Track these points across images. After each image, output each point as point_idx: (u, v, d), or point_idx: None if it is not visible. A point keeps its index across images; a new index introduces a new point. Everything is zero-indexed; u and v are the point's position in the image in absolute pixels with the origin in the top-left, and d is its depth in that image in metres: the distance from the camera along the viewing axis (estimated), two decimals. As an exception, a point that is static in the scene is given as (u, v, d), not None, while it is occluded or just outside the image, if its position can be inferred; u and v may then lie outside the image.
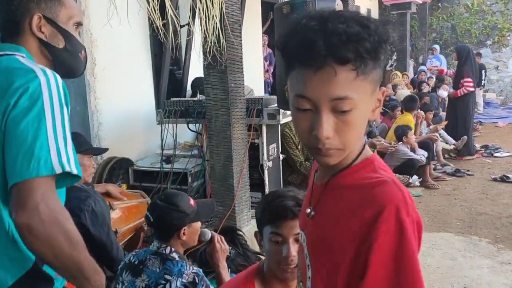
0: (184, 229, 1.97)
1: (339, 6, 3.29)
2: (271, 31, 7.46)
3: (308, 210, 0.98)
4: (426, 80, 9.89)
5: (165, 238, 1.97)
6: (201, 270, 1.94)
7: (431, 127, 6.80)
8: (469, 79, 7.10)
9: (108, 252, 2.15)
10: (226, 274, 2.19)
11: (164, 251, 1.94)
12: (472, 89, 7.20)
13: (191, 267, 1.91)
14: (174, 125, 4.12)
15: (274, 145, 4.15)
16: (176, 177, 4.03)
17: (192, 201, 2.04)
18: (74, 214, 2.15)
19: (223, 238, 2.28)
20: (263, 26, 7.94)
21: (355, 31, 0.78)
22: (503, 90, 12.21)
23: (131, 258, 1.97)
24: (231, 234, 3.43)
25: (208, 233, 2.23)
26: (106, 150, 2.87)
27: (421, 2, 10.39)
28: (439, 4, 12.57)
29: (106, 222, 2.18)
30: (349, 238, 0.84)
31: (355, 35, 0.77)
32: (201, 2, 2.70)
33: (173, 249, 1.95)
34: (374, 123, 6.29)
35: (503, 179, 5.80)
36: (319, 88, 0.80)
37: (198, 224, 2.09)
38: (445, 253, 3.76)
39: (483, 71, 10.98)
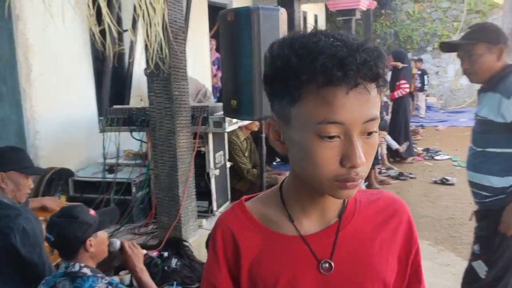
0: (90, 240, 1.90)
1: (283, 14, 3.29)
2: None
3: (325, 265, 0.83)
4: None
5: (72, 255, 1.88)
6: (115, 278, 1.88)
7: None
8: (404, 81, 7.41)
9: (40, 273, 2.02)
10: (147, 278, 2.15)
11: (73, 269, 1.84)
12: (408, 89, 7.53)
13: (103, 280, 1.84)
14: (117, 133, 4.00)
15: (221, 153, 4.11)
16: (119, 187, 3.90)
17: (92, 211, 1.98)
18: (3, 234, 2.02)
19: (134, 242, 2.23)
20: (210, 30, 7.88)
21: (376, 47, 0.73)
22: (443, 95, 12.75)
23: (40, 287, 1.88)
24: (177, 245, 3.36)
25: (117, 242, 2.17)
26: (45, 171, 2.73)
27: (365, 9, 10.67)
28: (383, 11, 12.98)
29: (38, 242, 2.06)
30: (393, 257, 0.87)
31: (379, 51, 0.72)
32: (141, 9, 2.61)
33: (82, 264, 1.86)
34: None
35: (443, 182, 6.03)
36: (353, 109, 0.71)
37: (105, 234, 2.03)
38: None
39: (425, 76, 11.44)
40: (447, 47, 2.53)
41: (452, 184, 5.99)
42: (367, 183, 5.93)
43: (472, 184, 2.43)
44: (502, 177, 2.27)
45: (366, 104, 0.71)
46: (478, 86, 2.47)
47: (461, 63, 2.40)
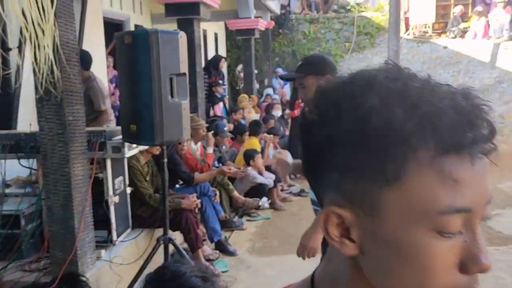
0: None
1: (182, 37, 3.25)
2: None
3: None
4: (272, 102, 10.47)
5: None
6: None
7: (278, 150, 7.14)
8: None
9: None
10: None
11: None
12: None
13: None
14: (3, 161, 3.65)
15: (121, 178, 3.93)
16: (6, 221, 3.55)
17: None
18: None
19: None
20: (107, 46, 7.58)
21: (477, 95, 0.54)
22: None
23: None
24: (73, 281, 3.12)
25: None
26: None
27: (264, 29, 10.97)
28: (280, 30, 13.45)
29: None
30: None
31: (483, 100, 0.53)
32: (28, 30, 2.42)
33: None
34: (224, 147, 6.38)
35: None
36: (480, 188, 0.50)
37: None
38: (295, 277, 3.91)
39: (320, 93, 11.98)
40: (285, 78, 2.90)
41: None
42: (269, 201, 6.03)
43: (315, 202, 2.67)
44: None
45: (487, 179, 0.51)
46: None
47: (298, 93, 2.62)
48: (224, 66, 9.40)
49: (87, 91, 4.62)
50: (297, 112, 7.74)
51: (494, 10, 11.96)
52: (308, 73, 2.52)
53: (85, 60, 4.67)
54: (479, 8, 12.19)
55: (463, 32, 12.26)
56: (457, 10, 12.49)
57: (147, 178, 4.26)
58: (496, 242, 5.13)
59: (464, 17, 12.64)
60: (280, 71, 12.56)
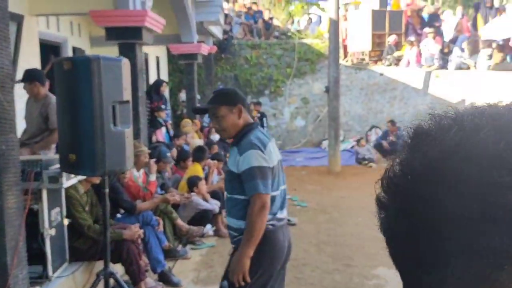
0: None
1: (126, 64, 3.17)
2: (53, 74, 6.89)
3: None
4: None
5: None
6: None
7: (221, 175, 7.08)
8: None
9: None
10: None
11: None
12: None
13: None
14: None
15: (57, 209, 3.73)
16: None
17: None
18: None
19: None
20: (43, 68, 7.29)
21: None
22: (280, 135, 13.63)
23: None
24: (4, 324, 2.89)
25: None
26: None
27: (206, 54, 11.00)
28: (223, 55, 13.54)
29: None
30: None
31: None
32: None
33: None
34: (167, 174, 6.25)
35: (289, 222, 6.33)
36: None
37: None
38: (240, 306, 3.83)
39: (264, 118, 12.13)
40: (199, 110, 3.05)
41: (293, 224, 6.32)
42: (214, 228, 5.94)
43: (228, 226, 2.77)
44: (241, 220, 2.60)
45: None
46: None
47: (212, 123, 2.81)
48: (165, 91, 9.29)
49: (43, 108, 4.46)
50: None
51: (425, 40, 12.70)
52: (222, 104, 2.66)
53: (42, 76, 4.71)
54: (411, 38, 12.90)
55: (398, 60, 12.89)
56: (391, 39, 13.14)
57: (86, 208, 4.07)
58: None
59: (398, 46, 13.31)
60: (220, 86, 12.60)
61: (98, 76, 2.91)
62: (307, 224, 6.83)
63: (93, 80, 2.91)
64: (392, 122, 11.27)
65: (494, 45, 11.53)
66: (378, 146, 11.29)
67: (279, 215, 2.65)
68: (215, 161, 6.98)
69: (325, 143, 12.25)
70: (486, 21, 12.42)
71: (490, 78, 10.82)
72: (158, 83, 8.96)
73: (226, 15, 13.02)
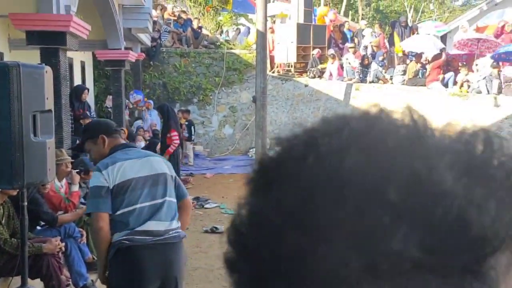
0: None
1: (48, 73, 3.09)
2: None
3: None
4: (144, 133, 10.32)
5: None
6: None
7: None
8: (175, 133, 7.88)
9: None
10: None
11: None
12: (178, 142, 7.99)
13: None
14: None
15: (-30, 223, 3.53)
16: None
17: None
18: None
19: None
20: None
21: None
22: (208, 143, 13.68)
23: None
24: None
25: None
26: None
27: (134, 61, 10.83)
28: (151, 62, 13.38)
29: None
30: None
31: None
32: None
33: None
34: (91, 183, 6.07)
35: (213, 230, 6.39)
36: None
37: None
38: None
39: (192, 126, 12.11)
40: (76, 149, 3.65)
41: (221, 232, 6.38)
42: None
43: None
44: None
45: None
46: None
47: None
48: (86, 98, 8.92)
49: None
50: (171, 149, 7.78)
51: (347, 54, 13.34)
52: (86, 139, 2.94)
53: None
54: (331, 51, 13.51)
55: (321, 72, 13.42)
56: (315, 52, 13.66)
57: (2, 221, 3.88)
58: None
59: (321, 58, 13.85)
60: (151, 103, 12.43)
61: (18, 84, 2.83)
62: (234, 232, 6.92)
63: (11, 88, 2.82)
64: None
65: (408, 61, 12.36)
66: (303, 155, 11.64)
67: (141, 228, 2.66)
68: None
69: (252, 152, 12.45)
70: (401, 39, 13.30)
71: (404, 92, 11.58)
72: (78, 89, 8.67)
73: (155, 22, 12.88)
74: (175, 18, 14.63)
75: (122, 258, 2.62)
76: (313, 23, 14.33)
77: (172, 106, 13.37)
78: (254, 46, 12.47)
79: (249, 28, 16.75)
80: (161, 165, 2.86)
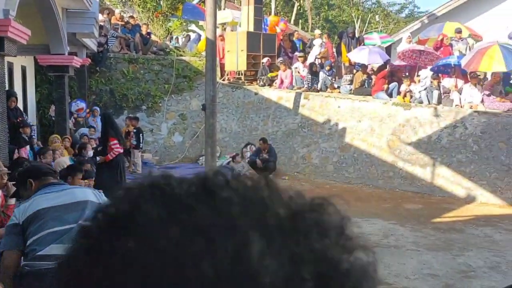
0: None
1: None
2: None
3: None
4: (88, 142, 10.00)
5: None
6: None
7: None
8: (115, 141, 7.75)
9: None
10: None
11: None
12: (120, 150, 7.85)
13: None
14: None
15: None
16: None
17: None
18: None
19: None
20: None
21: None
22: (157, 151, 13.47)
23: None
24: None
25: None
26: None
27: (79, 66, 10.52)
28: (98, 68, 13.04)
29: None
30: None
31: None
32: None
33: None
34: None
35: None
36: None
37: None
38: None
39: (140, 134, 11.89)
40: (15, 196, 3.78)
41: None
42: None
43: None
44: None
45: None
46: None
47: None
48: (14, 105, 8.41)
49: None
50: (110, 155, 7.65)
51: (296, 63, 13.56)
52: (19, 187, 3.09)
53: None
54: (280, 60, 13.70)
55: (271, 81, 13.56)
56: (265, 60, 13.79)
57: None
58: None
59: (271, 67, 14.00)
60: (98, 109, 12.11)
61: None
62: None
63: None
64: (263, 140, 11.77)
65: (354, 71, 12.71)
66: (252, 163, 11.71)
67: (42, 253, 2.66)
68: (86, 180, 6.68)
69: (202, 159, 12.37)
70: (348, 49, 13.67)
71: (351, 101, 11.89)
72: (6, 95, 8.29)
73: (101, 27, 12.57)
74: (123, 23, 14.35)
75: (19, 283, 2.66)
76: (263, 31, 14.47)
77: (120, 113, 13.17)
78: (204, 53, 12.44)
79: (199, 35, 16.70)
80: (86, 193, 2.96)
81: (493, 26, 15.63)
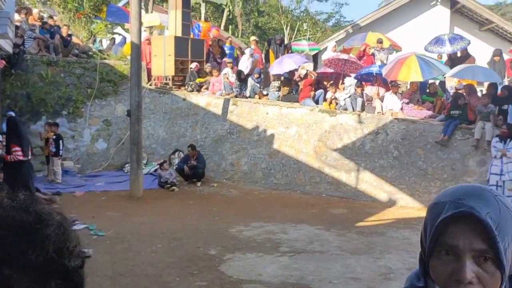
0: None
1: None
2: None
3: None
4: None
5: None
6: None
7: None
8: (17, 148, 7.53)
9: None
10: None
11: None
12: (22, 158, 7.58)
13: None
14: None
15: None
16: None
17: None
18: None
19: None
20: None
21: None
22: (80, 159, 12.83)
23: None
24: None
25: None
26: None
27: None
28: (13, 70, 12.20)
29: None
30: None
31: None
32: None
33: None
34: None
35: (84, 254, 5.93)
36: None
37: None
38: None
39: (60, 140, 11.27)
40: None
41: (88, 257, 5.92)
42: None
43: None
44: None
45: None
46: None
47: None
48: None
49: None
50: (10, 158, 7.44)
51: (225, 69, 13.50)
52: None
53: None
54: (208, 65, 13.61)
55: (200, 87, 13.40)
56: (193, 66, 13.62)
57: None
58: (227, 287, 5.56)
59: (200, 72, 13.85)
60: (12, 114, 11.32)
61: None
62: (103, 255, 6.51)
63: None
64: (191, 146, 11.59)
65: (282, 78, 12.87)
66: (180, 170, 11.48)
67: None
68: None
69: (127, 167, 11.95)
70: (276, 56, 13.84)
71: (279, 107, 12.02)
72: None
73: (17, 27, 11.79)
74: (41, 23, 13.57)
75: None
76: (195, 37, 14.33)
77: (38, 119, 12.42)
78: (130, 58, 12.05)
79: (125, 38, 16.21)
80: None
81: (411, 37, 16.53)
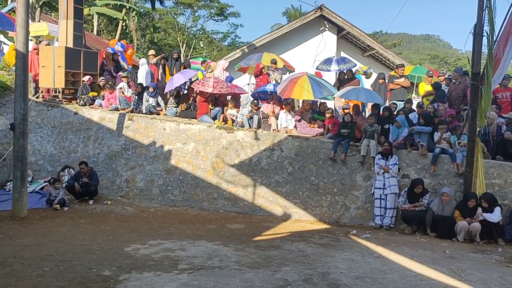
0: None
1: None
2: None
3: None
4: None
5: None
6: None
7: None
8: None
9: None
10: None
11: None
12: None
13: None
14: None
15: None
16: None
17: None
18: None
19: None
20: None
21: None
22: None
23: None
24: None
25: None
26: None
27: None
28: None
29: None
30: None
31: None
32: None
33: None
34: None
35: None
36: None
37: None
38: None
39: None
40: None
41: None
42: None
43: None
44: None
45: None
46: None
47: None
48: None
49: None
50: None
51: (121, 83, 13.09)
52: None
53: None
54: (102, 79, 13.14)
55: (93, 100, 12.83)
56: (86, 78, 13.03)
57: None
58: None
59: (93, 86, 13.28)
60: None
61: None
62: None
63: None
64: (84, 163, 11.01)
65: (181, 93, 12.80)
66: (70, 187, 10.83)
67: None
68: None
69: (10, 185, 11.00)
70: (171, 72, 13.76)
71: (177, 123, 11.91)
72: None
73: None
74: None
75: None
76: (120, 56, 13.82)
77: None
78: (14, 68, 11.19)
79: (6, 46, 15.05)
80: None
81: (303, 58, 17.45)
